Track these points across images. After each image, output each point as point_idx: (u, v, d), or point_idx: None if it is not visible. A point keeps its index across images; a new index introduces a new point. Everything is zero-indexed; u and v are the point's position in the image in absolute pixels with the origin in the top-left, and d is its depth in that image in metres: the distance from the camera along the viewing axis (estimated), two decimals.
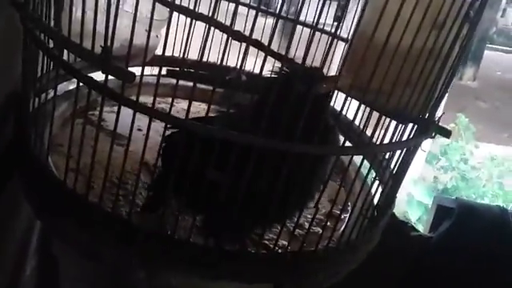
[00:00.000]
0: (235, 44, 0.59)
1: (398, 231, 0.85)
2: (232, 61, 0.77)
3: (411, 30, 0.49)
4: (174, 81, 0.61)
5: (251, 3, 0.92)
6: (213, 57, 0.82)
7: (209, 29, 0.50)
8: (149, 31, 0.48)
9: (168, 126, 0.49)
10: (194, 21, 0.58)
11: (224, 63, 0.71)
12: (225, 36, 0.53)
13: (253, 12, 0.82)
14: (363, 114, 0.55)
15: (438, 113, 0.60)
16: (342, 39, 0.81)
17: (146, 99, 0.49)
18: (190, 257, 0.50)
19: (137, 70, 0.52)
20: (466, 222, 0.86)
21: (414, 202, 2.79)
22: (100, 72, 0.47)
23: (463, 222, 0.86)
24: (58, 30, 0.57)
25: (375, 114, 0.58)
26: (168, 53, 0.84)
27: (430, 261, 0.84)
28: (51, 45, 0.55)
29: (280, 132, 0.45)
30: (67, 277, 0.83)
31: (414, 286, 0.87)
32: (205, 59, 0.86)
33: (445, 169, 3.22)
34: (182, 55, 0.61)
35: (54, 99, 0.55)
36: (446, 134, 0.57)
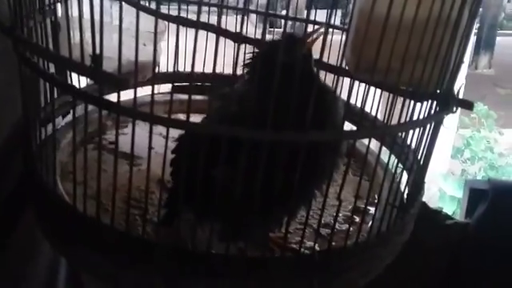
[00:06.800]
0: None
1: (432, 221, 0.81)
2: None
3: None
4: (181, 96, 0.61)
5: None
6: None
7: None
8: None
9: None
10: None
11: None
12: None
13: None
14: (374, 99, 0.52)
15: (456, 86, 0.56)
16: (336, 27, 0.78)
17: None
18: (214, 269, 0.47)
19: (147, 89, 0.51)
20: (504, 201, 0.81)
21: (446, 197, 2.72)
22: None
23: (500, 201, 0.81)
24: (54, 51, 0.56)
25: (387, 97, 0.55)
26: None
27: (470, 248, 0.79)
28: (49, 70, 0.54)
29: (288, 122, 0.42)
30: None
31: (457, 277, 0.81)
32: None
33: (471, 160, 3.13)
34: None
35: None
36: (468, 105, 0.53)
